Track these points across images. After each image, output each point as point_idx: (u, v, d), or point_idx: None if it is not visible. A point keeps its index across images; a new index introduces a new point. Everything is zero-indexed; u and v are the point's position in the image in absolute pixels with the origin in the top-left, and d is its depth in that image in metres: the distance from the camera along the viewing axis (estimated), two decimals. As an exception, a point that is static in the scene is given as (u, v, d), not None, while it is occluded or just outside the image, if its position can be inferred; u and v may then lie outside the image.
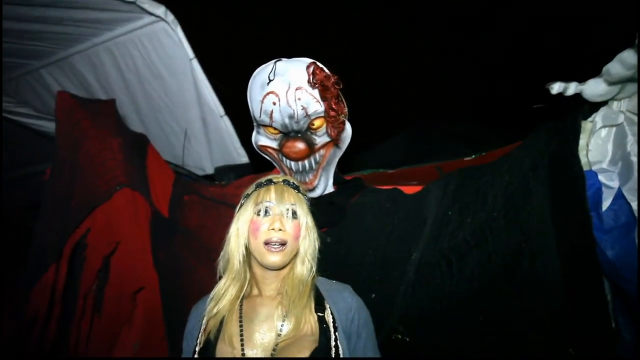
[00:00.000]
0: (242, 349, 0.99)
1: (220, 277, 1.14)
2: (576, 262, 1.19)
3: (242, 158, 2.87)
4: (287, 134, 1.44)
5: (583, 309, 1.14)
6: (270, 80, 1.41)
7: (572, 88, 1.20)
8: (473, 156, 1.80)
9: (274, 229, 1.06)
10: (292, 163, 1.47)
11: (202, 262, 1.70)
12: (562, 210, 1.25)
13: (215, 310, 1.06)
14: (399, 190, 1.56)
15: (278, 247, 1.06)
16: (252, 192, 1.16)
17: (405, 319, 1.39)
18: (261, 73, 1.44)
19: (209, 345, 1.02)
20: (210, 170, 2.98)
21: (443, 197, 1.45)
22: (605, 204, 1.20)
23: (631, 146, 1.16)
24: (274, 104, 1.40)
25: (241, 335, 1.02)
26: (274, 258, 1.06)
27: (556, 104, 1.28)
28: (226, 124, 2.70)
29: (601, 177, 1.22)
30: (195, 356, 1.03)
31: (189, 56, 2.37)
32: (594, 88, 1.16)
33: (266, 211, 1.09)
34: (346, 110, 1.51)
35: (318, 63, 1.44)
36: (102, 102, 1.94)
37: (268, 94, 1.41)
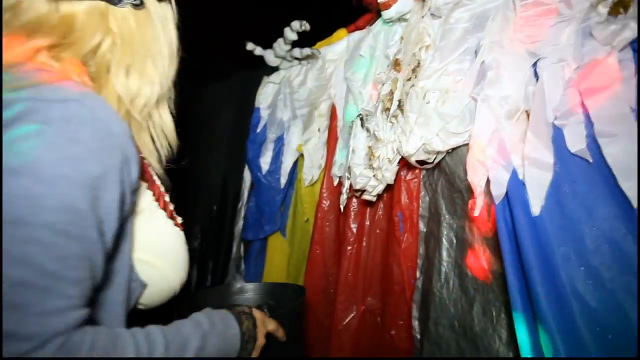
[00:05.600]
0: None
1: None
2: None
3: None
4: None
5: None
6: None
7: (258, 50, 1.85)
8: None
9: None
10: None
11: None
12: (239, 121, 1.97)
13: None
14: None
15: None
16: None
17: None
18: None
19: None
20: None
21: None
22: (259, 127, 1.96)
23: (280, 100, 1.91)
24: None
25: None
26: None
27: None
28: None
29: (262, 112, 1.96)
30: None
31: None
32: (267, 56, 1.83)
33: None
34: None
35: None
36: None
37: None
